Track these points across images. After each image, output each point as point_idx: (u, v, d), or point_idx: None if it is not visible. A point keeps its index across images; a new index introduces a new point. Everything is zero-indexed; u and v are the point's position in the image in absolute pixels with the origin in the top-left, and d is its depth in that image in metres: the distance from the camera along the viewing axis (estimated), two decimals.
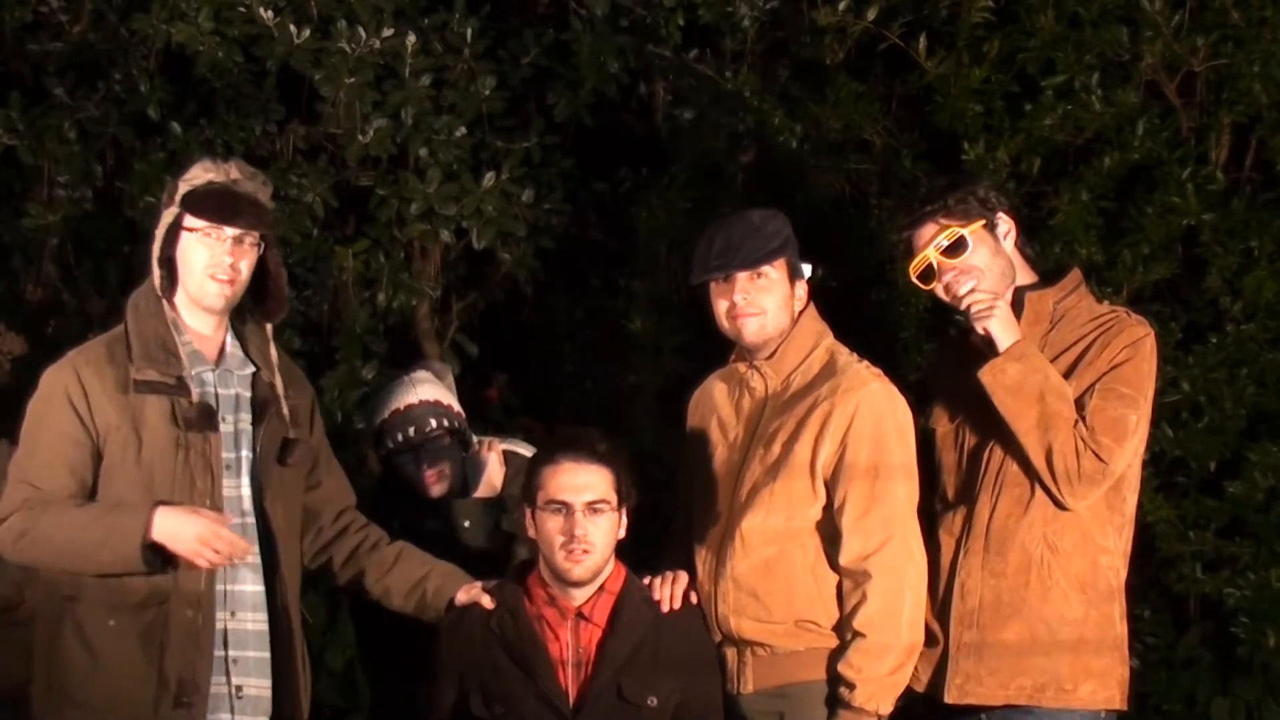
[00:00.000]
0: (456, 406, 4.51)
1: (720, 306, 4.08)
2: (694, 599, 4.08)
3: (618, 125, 6.54)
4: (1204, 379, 5.62)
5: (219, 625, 3.90)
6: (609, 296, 6.45)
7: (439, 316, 6.43)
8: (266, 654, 3.94)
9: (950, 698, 4.07)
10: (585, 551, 3.91)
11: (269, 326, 4.07)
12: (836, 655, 3.99)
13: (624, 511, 3.98)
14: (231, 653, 3.91)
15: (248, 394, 3.99)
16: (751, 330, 4.06)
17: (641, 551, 4.19)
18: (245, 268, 3.95)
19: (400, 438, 4.40)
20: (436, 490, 4.42)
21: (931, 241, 4.09)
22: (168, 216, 3.95)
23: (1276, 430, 5.69)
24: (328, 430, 5.94)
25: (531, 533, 3.98)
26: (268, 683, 3.95)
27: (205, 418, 3.88)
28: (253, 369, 4.01)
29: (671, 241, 6.12)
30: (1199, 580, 5.71)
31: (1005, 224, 4.15)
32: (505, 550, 4.37)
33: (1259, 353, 5.64)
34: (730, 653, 4.08)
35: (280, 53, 5.82)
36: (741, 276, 4.03)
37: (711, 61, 6.28)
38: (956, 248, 4.08)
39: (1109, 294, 5.50)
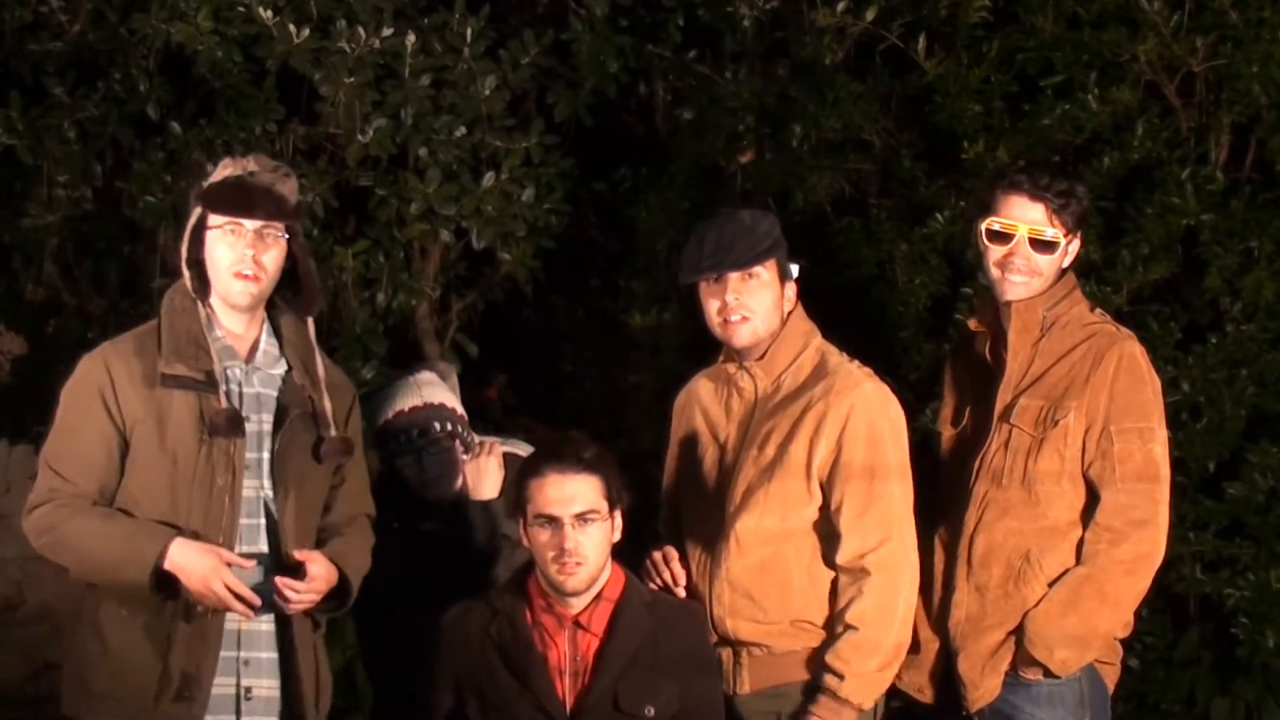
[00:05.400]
0: (460, 409, 4.50)
1: (711, 306, 4.07)
2: (681, 586, 4.08)
3: (618, 125, 6.54)
4: (1203, 379, 5.61)
5: (232, 626, 3.91)
6: (609, 296, 6.46)
7: (439, 316, 6.44)
8: (276, 655, 3.96)
9: (974, 707, 4.09)
10: (578, 564, 3.87)
11: (310, 324, 4.05)
12: (826, 646, 3.99)
13: (616, 515, 3.95)
14: (243, 654, 3.93)
15: (273, 393, 3.98)
16: (743, 337, 4.06)
17: (641, 554, 4.19)
18: (270, 262, 3.92)
19: (403, 439, 4.39)
20: (436, 493, 4.42)
21: (1032, 221, 4.06)
22: (192, 218, 3.95)
23: (1276, 431, 5.68)
24: None
25: (525, 544, 3.96)
26: (279, 683, 3.96)
27: (232, 425, 3.88)
28: (284, 368, 4.01)
29: (671, 241, 6.12)
30: (1198, 581, 5.71)
31: (1077, 246, 4.15)
32: (506, 553, 4.37)
33: (1259, 353, 5.63)
34: (726, 654, 4.08)
35: (280, 52, 5.82)
36: (733, 276, 4.03)
37: (711, 61, 6.28)
38: (1048, 247, 4.07)
39: (1108, 293, 5.50)
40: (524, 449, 4.49)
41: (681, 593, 4.10)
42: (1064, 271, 4.13)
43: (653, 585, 4.11)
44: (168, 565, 3.81)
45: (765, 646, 4.05)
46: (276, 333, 4.04)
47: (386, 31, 5.82)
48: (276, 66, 5.92)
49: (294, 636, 3.97)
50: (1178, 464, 5.50)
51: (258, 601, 3.86)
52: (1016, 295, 4.08)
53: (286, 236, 3.95)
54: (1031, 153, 5.56)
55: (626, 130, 6.61)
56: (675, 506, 4.24)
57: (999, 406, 4.08)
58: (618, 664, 3.89)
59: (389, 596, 4.34)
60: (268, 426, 3.97)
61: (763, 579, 4.02)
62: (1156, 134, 5.67)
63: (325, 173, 6.09)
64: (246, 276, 3.91)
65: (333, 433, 4.01)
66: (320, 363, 4.04)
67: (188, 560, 3.81)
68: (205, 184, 3.95)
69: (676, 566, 4.12)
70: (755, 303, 4.05)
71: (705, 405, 4.19)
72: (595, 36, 6.16)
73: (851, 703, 3.96)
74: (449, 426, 4.40)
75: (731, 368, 4.13)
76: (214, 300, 3.96)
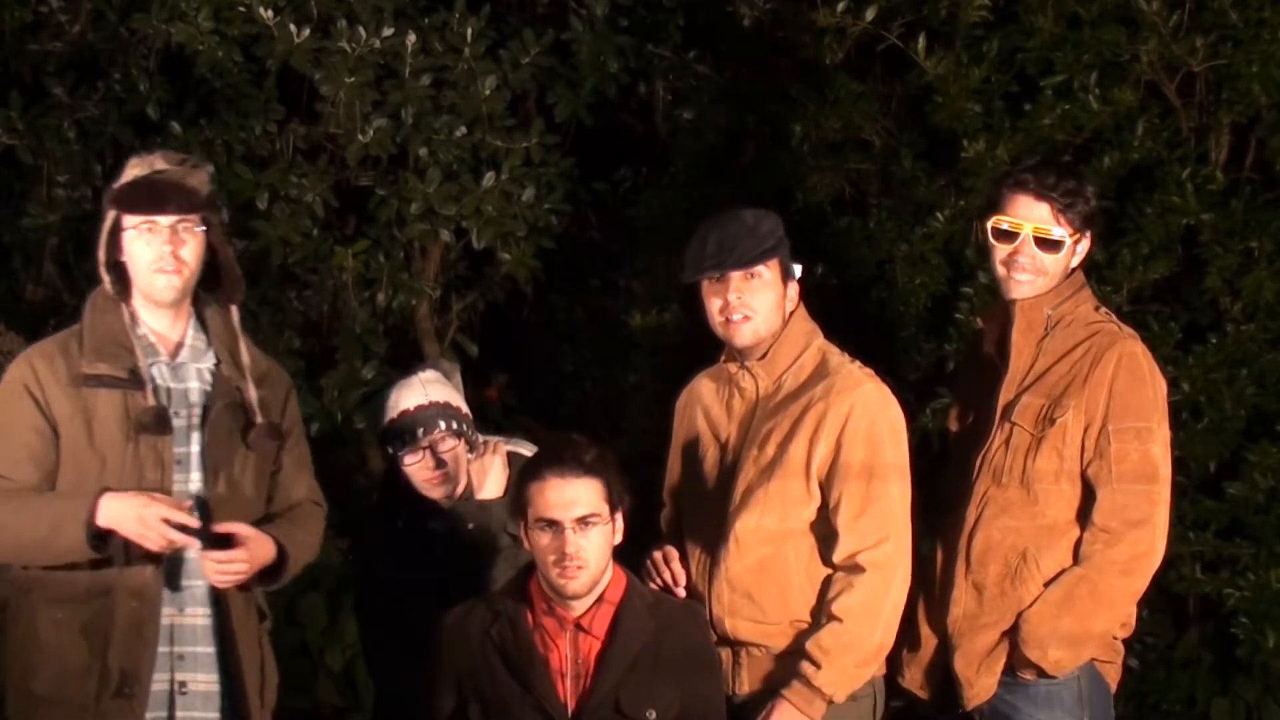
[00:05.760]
0: (464, 408, 4.48)
1: (713, 305, 4.06)
2: (681, 586, 4.09)
3: (618, 125, 6.55)
4: (1204, 379, 5.62)
5: (166, 621, 3.89)
6: (609, 296, 6.46)
7: (439, 316, 6.44)
8: (214, 649, 3.94)
9: (971, 705, 4.10)
10: (579, 568, 3.83)
11: (235, 313, 4.04)
12: (808, 633, 3.99)
13: (617, 518, 3.92)
14: (178, 648, 3.91)
15: (204, 386, 3.98)
16: (745, 336, 4.05)
17: (641, 554, 4.18)
18: (189, 255, 3.91)
19: (408, 438, 4.38)
20: (441, 492, 4.41)
21: (1037, 219, 4.05)
22: (107, 221, 3.95)
23: (1276, 431, 5.69)
24: (327, 430, 6.01)
25: (527, 546, 3.95)
26: (217, 677, 3.94)
27: (159, 422, 3.87)
28: (213, 361, 4.00)
29: (671, 241, 6.13)
30: (1199, 580, 5.72)
31: (1086, 246, 4.15)
32: (510, 552, 4.36)
33: (1259, 353, 5.64)
34: (725, 653, 4.06)
35: (280, 52, 5.83)
36: (735, 276, 4.02)
37: (711, 62, 6.29)
38: (1053, 246, 4.07)
39: (1108, 293, 5.51)
40: (528, 448, 4.48)
41: (682, 593, 4.10)
42: (1072, 271, 4.13)
43: (653, 585, 4.10)
44: (101, 520, 3.78)
45: (764, 646, 4.04)
46: (204, 326, 4.03)
47: (386, 31, 5.83)
48: (276, 66, 5.92)
49: (234, 628, 3.95)
50: (1178, 464, 5.52)
51: (197, 524, 3.83)
52: (1021, 294, 4.08)
53: (203, 228, 3.95)
54: (1032, 153, 5.58)
55: (626, 130, 6.62)
56: (677, 506, 4.24)
57: (1001, 404, 4.08)
58: (619, 667, 3.87)
59: (393, 595, 4.34)
60: (197, 420, 3.96)
61: (762, 579, 4.01)
62: (1156, 134, 5.68)
63: (325, 173, 6.09)
64: (168, 271, 3.90)
65: (260, 419, 3.99)
66: (245, 351, 4.03)
67: (120, 509, 3.79)
68: (116, 185, 3.96)
69: (677, 566, 4.12)
70: (757, 302, 4.04)
71: (707, 405, 4.18)
72: (595, 36, 6.16)
73: (824, 693, 3.94)
74: (454, 425, 4.39)
75: (733, 367, 4.13)
76: (137, 300, 3.96)
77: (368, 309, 6.11)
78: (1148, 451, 3.98)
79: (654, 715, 3.86)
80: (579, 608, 3.90)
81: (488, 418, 6.30)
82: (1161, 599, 5.78)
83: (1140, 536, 3.96)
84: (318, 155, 6.19)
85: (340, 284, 6.14)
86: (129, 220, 3.91)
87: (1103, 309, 4.17)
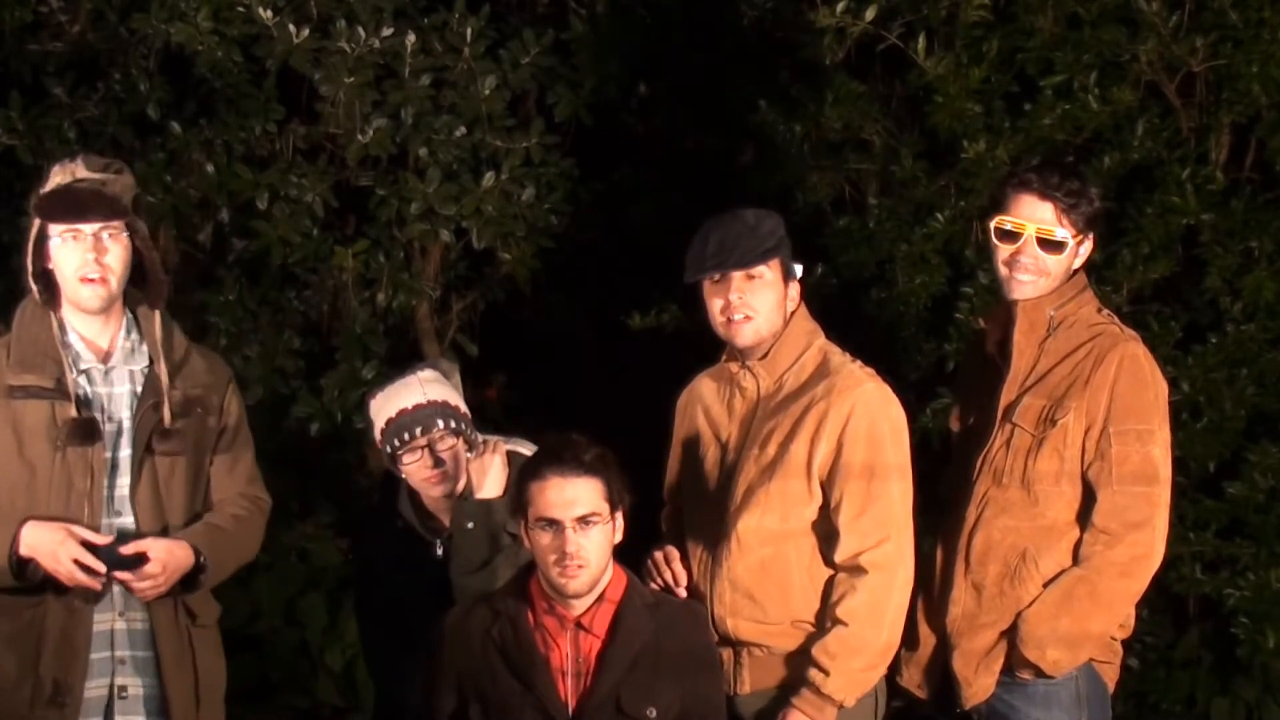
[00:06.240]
0: (463, 407, 4.47)
1: (714, 305, 4.06)
2: (682, 586, 4.09)
3: (618, 125, 6.55)
4: (1204, 379, 5.63)
5: (106, 626, 3.92)
6: (609, 296, 6.46)
7: (439, 316, 6.45)
8: (153, 653, 3.95)
9: (969, 704, 4.10)
10: (580, 567, 3.83)
11: (157, 317, 4.03)
12: (815, 638, 3.99)
13: (618, 517, 3.92)
14: (119, 653, 3.92)
15: (135, 389, 3.98)
16: (746, 336, 4.05)
17: (639, 554, 4.18)
18: (115, 261, 3.92)
19: (407, 437, 4.37)
20: (441, 491, 4.40)
21: (1040, 220, 4.04)
22: (33, 230, 3.95)
23: (1276, 431, 5.70)
24: (327, 430, 6.01)
25: (527, 545, 3.95)
26: (155, 681, 3.95)
27: (85, 433, 3.89)
28: (146, 361, 4.00)
29: (671, 241, 6.12)
30: (1199, 580, 5.72)
31: (1089, 247, 4.15)
32: (510, 551, 4.36)
33: (1259, 353, 5.65)
34: (727, 653, 4.06)
35: (280, 52, 5.84)
36: (736, 276, 4.02)
37: (711, 61, 6.29)
38: (1055, 246, 4.07)
39: (1108, 293, 5.51)
40: (528, 448, 4.47)
41: (683, 593, 4.10)
42: (1075, 272, 4.13)
43: (654, 585, 4.10)
44: (23, 550, 3.82)
45: (766, 647, 4.04)
46: (140, 328, 4.03)
47: (386, 31, 5.83)
48: (276, 66, 5.93)
49: (155, 630, 3.95)
50: (1178, 464, 5.52)
51: (103, 570, 3.84)
52: (1024, 294, 4.08)
53: (128, 232, 3.95)
54: (1032, 153, 5.58)
55: (626, 130, 6.61)
56: (677, 506, 4.24)
57: (1003, 405, 4.08)
58: (620, 665, 3.87)
59: (392, 595, 4.34)
60: (128, 423, 3.97)
61: (763, 579, 4.01)
62: (1156, 134, 5.69)
63: (325, 173, 6.10)
64: (93, 280, 3.90)
65: (168, 424, 3.97)
66: (164, 356, 4.02)
67: (39, 539, 3.82)
68: (39, 194, 3.95)
69: (678, 566, 4.12)
70: (758, 302, 4.03)
71: (708, 404, 4.18)
72: (595, 36, 6.16)
73: (834, 699, 3.93)
74: (453, 424, 4.38)
75: (734, 367, 4.12)
76: (66, 307, 3.96)
77: (368, 309, 6.11)
78: (1148, 453, 3.99)
79: (654, 713, 3.85)
80: (579, 606, 3.90)
81: (488, 418, 6.29)
82: (1161, 599, 5.78)
83: (1140, 538, 3.96)
84: (318, 155, 6.20)
85: (340, 284, 6.15)
86: (53, 229, 3.90)
87: (1105, 310, 4.16)
